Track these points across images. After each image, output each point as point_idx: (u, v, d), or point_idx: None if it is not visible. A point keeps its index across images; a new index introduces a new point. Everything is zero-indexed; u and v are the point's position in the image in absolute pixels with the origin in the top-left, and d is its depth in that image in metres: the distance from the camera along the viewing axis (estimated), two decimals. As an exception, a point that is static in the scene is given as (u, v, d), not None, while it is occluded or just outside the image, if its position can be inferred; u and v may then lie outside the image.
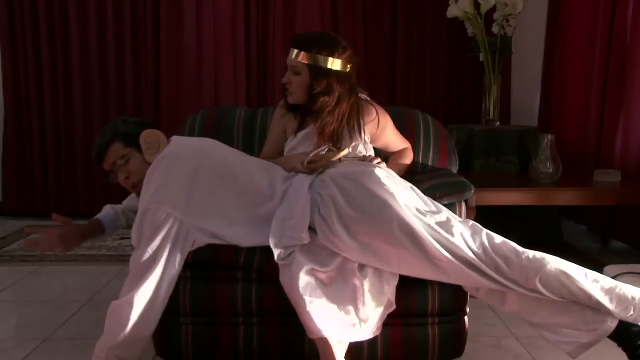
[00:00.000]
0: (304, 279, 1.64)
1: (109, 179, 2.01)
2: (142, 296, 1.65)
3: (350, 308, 1.63)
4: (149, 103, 4.31)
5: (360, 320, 1.64)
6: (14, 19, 4.19)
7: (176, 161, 1.82)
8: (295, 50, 2.01)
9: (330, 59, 2.01)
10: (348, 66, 2.06)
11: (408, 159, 2.23)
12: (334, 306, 1.63)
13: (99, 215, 2.07)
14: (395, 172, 1.97)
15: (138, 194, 1.86)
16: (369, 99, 2.20)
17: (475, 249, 1.65)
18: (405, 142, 2.25)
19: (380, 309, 1.67)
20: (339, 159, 1.95)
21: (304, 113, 2.10)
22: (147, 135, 1.93)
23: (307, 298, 1.62)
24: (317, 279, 1.67)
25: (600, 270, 2.08)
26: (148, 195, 1.75)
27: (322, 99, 2.02)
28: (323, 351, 1.63)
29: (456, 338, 1.85)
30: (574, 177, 3.00)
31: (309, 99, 2.04)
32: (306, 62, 2.00)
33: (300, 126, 2.10)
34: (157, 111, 4.31)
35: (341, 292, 1.65)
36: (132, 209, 2.05)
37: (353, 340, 1.65)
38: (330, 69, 2.01)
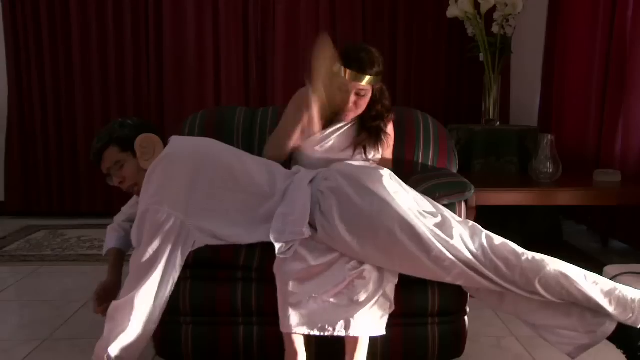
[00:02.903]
0: (296, 275, 1.66)
1: (107, 181, 2.00)
2: (143, 297, 1.65)
3: (340, 302, 1.63)
4: (152, 103, 4.32)
5: (349, 316, 1.63)
6: (16, 19, 4.20)
7: (176, 161, 1.83)
8: (367, 77, 2.01)
9: (380, 77, 2.08)
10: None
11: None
12: (322, 300, 1.63)
13: (112, 244, 2.00)
14: None
15: (139, 193, 1.86)
16: None
17: (474, 250, 1.65)
18: (391, 164, 2.22)
19: (370, 305, 1.66)
20: None
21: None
22: (142, 141, 1.92)
23: (292, 292, 1.63)
24: (310, 273, 1.67)
25: (600, 271, 2.09)
26: (148, 196, 1.75)
27: (383, 113, 2.13)
28: (287, 348, 1.65)
29: (456, 338, 1.85)
30: (574, 177, 2.99)
31: (374, 116, 2.12)
32: (374, 84, 2.06)
33: (328, 124, 2.12)
34: (160, 111, 4.33)
35: (331, 284, 1.65)
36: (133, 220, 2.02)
37: (341, 335, 1.63)
38: (382, 86, 2.12)
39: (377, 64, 2.04)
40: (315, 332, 1.63)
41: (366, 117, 2.13)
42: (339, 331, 1.63)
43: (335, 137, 2.12)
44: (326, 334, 1.63)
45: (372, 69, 2.02)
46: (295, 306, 1.64)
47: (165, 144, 1.96)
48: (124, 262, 1.99)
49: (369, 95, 2.08)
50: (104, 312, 1.81)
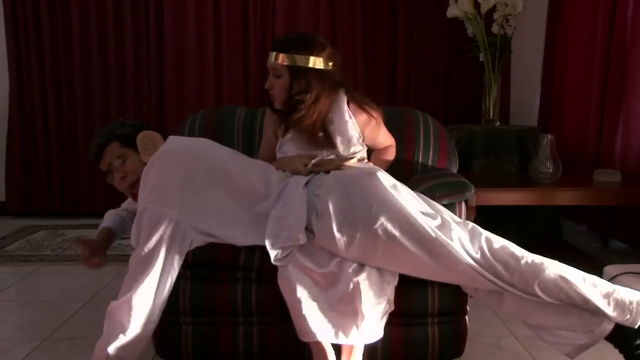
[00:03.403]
0: (301, 281, 1.65)
1: (106, 180, 2.00)
2: (141, 296, 1.65)
3: (348, 309, 1.63)
4: (152, 104, 4.32)
5: (359, 322, 1.63)
6: (17, 20, 4.20)
7: (171, 160, 1.82)
8: (274, 53, 1.96)
9: (310, 57, 1.96)
10: (330, 64, 2.00)
11: (391, 155, 2.21)
12: (331, 308, 1.63)
13: (106, 224, 2.03)
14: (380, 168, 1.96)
15: (134, 196, 1.86)
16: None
17: (473, 253, 1.65)
18: (391, 138, 2.20)
19: (379, 310, 1.67)
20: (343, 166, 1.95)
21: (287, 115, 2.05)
22: (144, 137, 1.94)
23: (303, 299, 1.62)
24: (314, 280, 1.67)
25: (600, 270, 2.09)
26: (145, 195, 1.75)
27: (298, 97, 1.96)
28: (317, 354, 1.64)
29: (456, 338, 1.85)
30: (574, 177, 2.99)
31: (288, 99, 1.99)
32: (286, 63, 1.95)
33: (287, 129, 2.06)
34: (161, 111, 4.33)
35: (339, 293, 1.65)
36: (134, 212, 2.03)
37: (352, 343, 1.64)
38: (310, 68, 1.96)
39: (298, 44, 1.96)
40: (332, 340, 1.63)
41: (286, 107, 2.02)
42: (352, 338, 1.63)
43: (290, 137, 2.05)
44: (339, 341, 1.63)
45: (283, 45, 1.97)
46: (309, 314, 1.62)
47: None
48: (110, 243, 2.04)
49: (285, 77, 1.97)
50: (85, 262, 1.87)
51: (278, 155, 2.10)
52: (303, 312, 1.62)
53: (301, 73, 1.96)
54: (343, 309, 1.63)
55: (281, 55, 1.95)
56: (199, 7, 4.24)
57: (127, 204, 2.09)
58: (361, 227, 1.67)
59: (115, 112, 4.30)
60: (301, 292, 1.63)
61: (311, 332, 1.61)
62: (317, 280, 1.67)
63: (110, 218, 2.07)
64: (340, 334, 1.62)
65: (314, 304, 1.63)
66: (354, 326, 1.62)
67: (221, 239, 1.79)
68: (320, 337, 1.61)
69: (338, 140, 2.01)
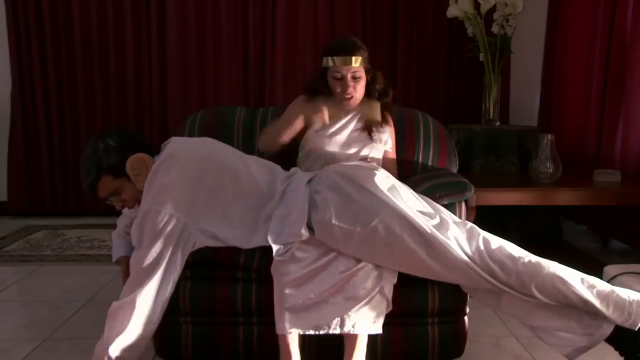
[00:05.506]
0: (294, 278, 1.65)
1: (107, 202, 1.93)
2: (144, 298, 1.65)
3: (335, 300, 1.63)
4: (154, 104, 4.33)
5: (346, 313, 1.63)
6: (18, 22, 4.20)
7: (178, 162, 1.81)
8: (354, 57, 2.11)
9: (367, 59, 2.17)
10: None
11: (393, 170, 2.21)
12: (318, 299, 1.63)
13: (121, 252, 1.97)
14: None
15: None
16: None
17: (470, 254, 1.65)
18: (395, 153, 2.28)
19: (372, 305, 1.66)
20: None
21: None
22: (133, 162, 1.83)
23: (290, 294, 1.63)
24: (308, 275, 1.67)
25: (601, 270, 2.08)
26: (150, 196, 1.75)
27: (386, 89, 2.22)
28: (282, 347, 1.66)
29: (456, 338, 1.85)
30: (574, 177, 2.99)
31: (379, 94, 2.20)
32: (365, 65, 2.14)
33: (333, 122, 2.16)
34: (164, 111, 4.34)
35: (328, 282, 1.65)
36: None
37: (336, 332, 1.64)
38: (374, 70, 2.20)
39: (360, 47, 2.15)
40: (310, 332, 1.63)
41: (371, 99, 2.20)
42: (334, 329, 1.63)
43: (345, 130, 2.18)
44: (321, 332, 1.63)
45: (357, 50, 2.13)
46: (291, 308, 1.64)
47: (160, 144, 1.94)
48: None
49: (363, 77, 2.15)
50: None
51: (312, 145, 2.16)
52: (285, 307, 1.63)
53: (371, 71, 2.20)
54: (329, 300, 1.63)
55: (361, 59, 2.12)
56: (199, 5, 4.24)
57: (131, 212, 2.04)
58: (360, 222, 1.68)
59: (116, 111, 4.30)
60: (290, 289, 1.64)
61: (283, 326, 1.62)
62: (310, 276, 1.67)
63: (122, 242, 1.99)
64: (324, 325, 1.62)
65: (299, 301, 1.63)
66: (338, 318, 1.62)
67: (225, 241, 1.79)
68: (291, 330, 1.62)
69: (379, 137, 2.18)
